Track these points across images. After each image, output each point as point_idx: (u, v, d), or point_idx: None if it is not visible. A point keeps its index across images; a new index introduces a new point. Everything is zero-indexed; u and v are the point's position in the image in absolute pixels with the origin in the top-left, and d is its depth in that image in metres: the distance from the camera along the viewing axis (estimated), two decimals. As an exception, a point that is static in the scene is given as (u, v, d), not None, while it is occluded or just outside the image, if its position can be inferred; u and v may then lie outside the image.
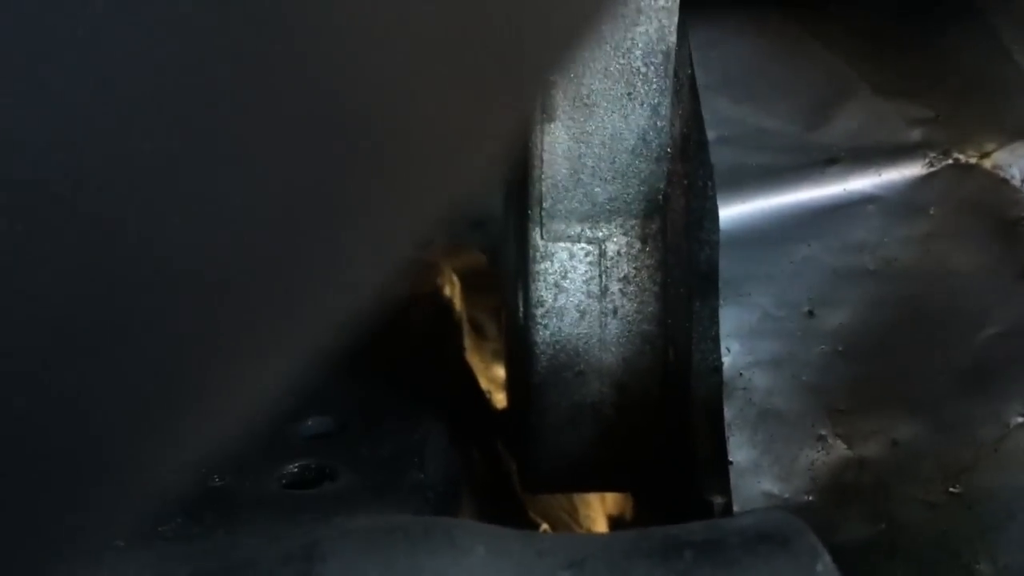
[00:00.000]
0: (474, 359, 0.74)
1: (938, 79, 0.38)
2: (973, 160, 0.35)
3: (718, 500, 0.38)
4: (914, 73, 0.38)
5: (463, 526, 0.27)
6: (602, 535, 0.30)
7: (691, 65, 0.40)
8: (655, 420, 0.42)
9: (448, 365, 0.55)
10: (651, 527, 0.26)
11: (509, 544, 0.25)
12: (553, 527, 0.64)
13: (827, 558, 0.26)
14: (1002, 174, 0.35)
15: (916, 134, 0.36)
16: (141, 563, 0.30)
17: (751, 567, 0.25)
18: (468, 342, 0.71)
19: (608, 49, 0.37)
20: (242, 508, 0.38)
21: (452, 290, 0.70)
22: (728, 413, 0.36)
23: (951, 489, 0.38)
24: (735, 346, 0.36)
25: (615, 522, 0.73)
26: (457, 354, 0.58)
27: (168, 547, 0.33)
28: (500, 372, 0.70)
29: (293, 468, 0.42)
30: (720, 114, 0.38)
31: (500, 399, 0.70)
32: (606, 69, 0.37)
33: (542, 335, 0.41)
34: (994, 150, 0.35)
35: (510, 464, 0.53)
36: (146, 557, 0.31)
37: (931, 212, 0.35)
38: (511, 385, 0.55)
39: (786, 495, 0.37)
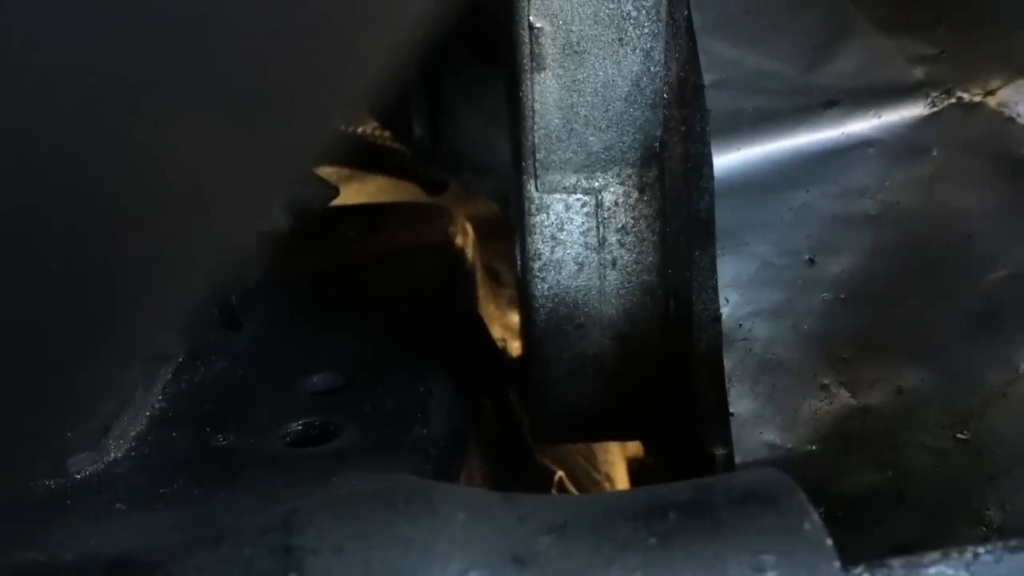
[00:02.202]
0: (490, 307, 0.74)
1: (944, 12, 0.36)
2: (978, 98, 0.34)
3: (720, 451, 0.38)
4: (918, 7, 0.36)
5: (445, 491, 0.27)
6: (586, 497, 0.29)
7: (687, 6, 0.38)
8: (658, 371, 0.42)
9: (457, 316, 0.54)
10: (637, 488, 0.26)
11: (491, 509, 0.25)
12: (570, 474, 0.64)
13: (815, 517, 0.25)
14: (1008, 112, 0.34)
15: (918, 72, 0.35)
16: (131, 531, 0.30)
17: (737, 527, 0.24)
18: (483, 290, 0.70)
19: (597, -7, 0.36)
20: (245, 468, 0.38)
21: (464, 239, 0.69)
22: (728, 364, 0.36)
23: (959, 435, 0.37)
24: (734, 296, 0.36)
25: (636, 465, 0.73)
26: (468, 304, 0.58)
27: (161, 513, 0.33)
28: (515, 320, 0.69)
29: (297, 426, 0.42)
30: (717, 56, 0.37)
31: (516, 347, 0.70)
32: (595, 15, 0.36)
33: (540, 288, 0.40)
34: (1000, 87, 0.34)
35: (522, 414, 0.53)
36: (137, 524, 0.31)
37: (934, 153, 0.34)
38: (521, 336, 0.55)
39: (789, 445, 0.37)
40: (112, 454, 0.40)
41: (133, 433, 0.41)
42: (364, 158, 0.75)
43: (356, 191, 0.77)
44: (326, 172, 0.67)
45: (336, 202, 0.56)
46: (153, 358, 0.44)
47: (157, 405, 0.43)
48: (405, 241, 0.62)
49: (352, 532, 0.23)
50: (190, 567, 0.22)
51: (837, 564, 0.25)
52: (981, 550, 0.28)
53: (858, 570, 0.25)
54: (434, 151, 0.66)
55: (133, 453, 0.40)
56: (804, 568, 0.24)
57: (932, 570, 0.27)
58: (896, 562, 0.26)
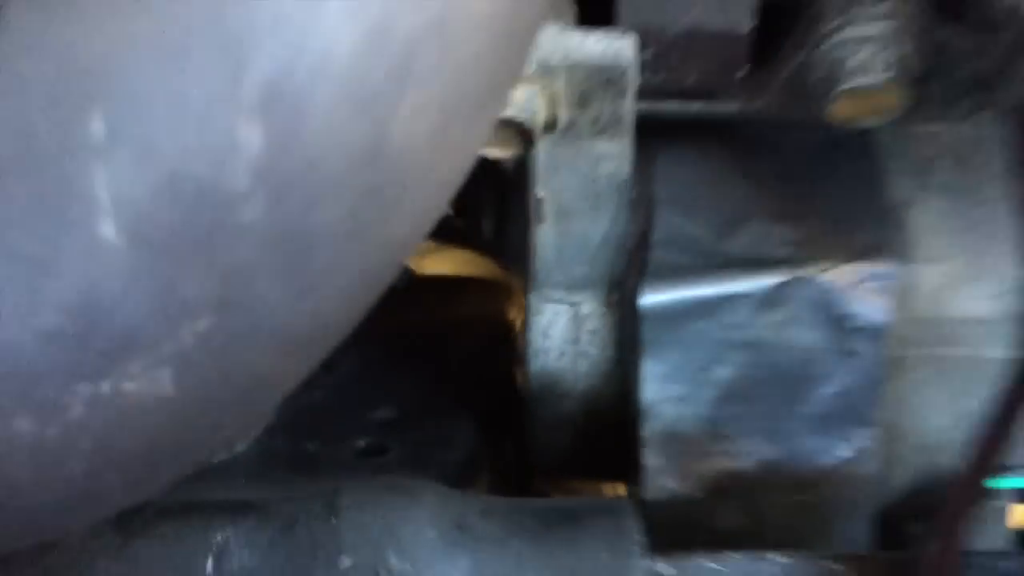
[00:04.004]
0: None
1: (814, 209, 0.54)
2: (817, 273, 0.51)
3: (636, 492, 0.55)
4: (799, 202, 0.54)
5: (437, 488, 0.45)
6: (516, 500, 0.47)
7: (652, 183, 0.57)
8: (616, 431, 0.59)
9: (492, 374, 0.73)
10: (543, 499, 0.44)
11: (455, 499, 0.44)
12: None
13: (636, 522, 0.43)
14: (833, 284, 0.51)
15: (785, 251, 0.52)
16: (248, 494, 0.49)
17: (581, 524, 0.42)
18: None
19: (580, 179, 0.54)
20: (322, 466, 0.58)
21: (517, 312, 0.88)
22: (643, 432, 0.54)
23: (801, 498, 0.54)
24: (651, 386, 0.54)
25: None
26: (504, 367, 0.77)
27: (265, 488, 0.52)
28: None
29: (362, 443, 0.62)
30: (665, 221, 0.55)
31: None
32: (579, 190, 0.55)
33: (534, 367, 0.59)
34: (832, 267, 0.51)
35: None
36: (251, 491, 0.50)
37: (787, 307, 0.52)
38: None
39: (683, 492, 0.54)
40: (239, 448, 0.60)
41: (254, 434, 0.61)
42: (447, 234, 0.94)
43: (440, 261, 0.96)
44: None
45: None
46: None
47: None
48: (466, 310, 0.81)
49: (371, 500, 0.42)
50: (278, 505, 0.42)
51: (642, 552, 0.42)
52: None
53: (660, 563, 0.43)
54: (498, 243, 0.85)
55: (252, 449, 0.60)
56: (616, 552, 0.41)
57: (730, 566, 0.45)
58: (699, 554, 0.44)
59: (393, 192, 0.28)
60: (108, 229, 0.24)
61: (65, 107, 0.24)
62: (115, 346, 0.25)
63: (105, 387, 0.26)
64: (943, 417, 0.54)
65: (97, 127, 0.24)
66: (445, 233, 0.98)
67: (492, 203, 0.84)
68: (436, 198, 0.30)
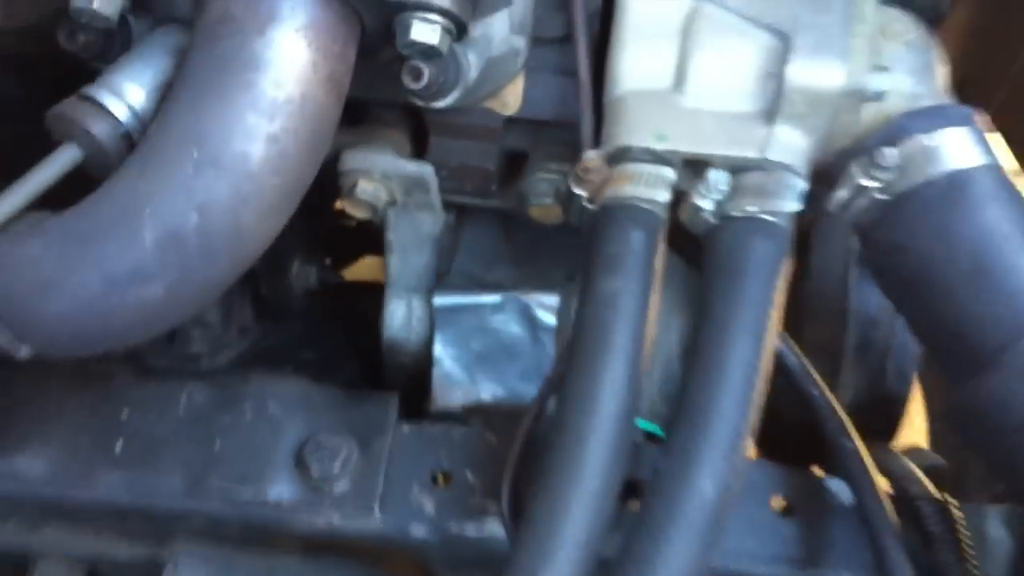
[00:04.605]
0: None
1: (532, 261, 0.98)
2: (525, 295, 0.96)
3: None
4: (526, 257, 0.99)
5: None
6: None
7: (457, 239, 1.02)
8: (424, 373, 1.04)
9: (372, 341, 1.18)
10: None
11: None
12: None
13: (395, 404, 0.88)
14: (532, 301, 0.96)
15: (511, 281, 0.97)
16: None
17: (364, 397, 0.87)
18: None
19: (411, 232, 0.99)
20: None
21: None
22: (434, 373, 0.99)
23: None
24: (439, 348, 0.98)
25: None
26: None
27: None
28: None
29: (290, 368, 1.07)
30: (457, 261, 1.00)
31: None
32: (410, 238, 1.00)
33: (385, 335, 1.04)
34: (533, 292, 0.96)
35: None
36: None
37: (507, 312, 0.96)
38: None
39: (450, 407, 0.99)
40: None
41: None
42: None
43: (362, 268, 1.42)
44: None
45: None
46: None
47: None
48: (368, 301, 1.27)
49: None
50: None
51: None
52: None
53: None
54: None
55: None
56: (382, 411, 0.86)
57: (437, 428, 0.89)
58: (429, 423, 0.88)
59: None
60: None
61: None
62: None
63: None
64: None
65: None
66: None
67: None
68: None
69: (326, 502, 0.84)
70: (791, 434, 0.90)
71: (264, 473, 0.84)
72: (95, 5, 0.70)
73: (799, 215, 0.75)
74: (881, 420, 1.03)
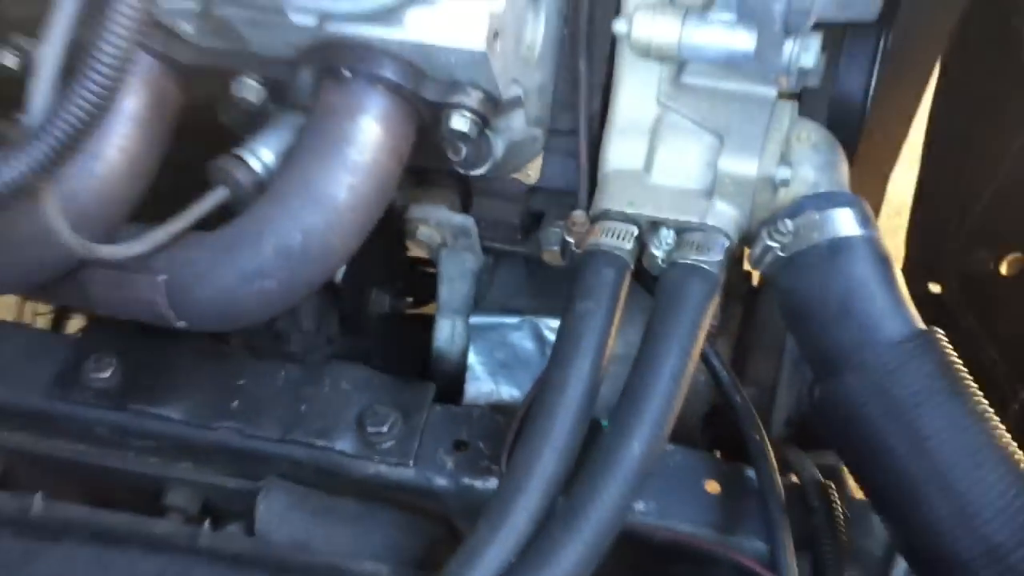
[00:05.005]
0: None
1: (546, 293, 1.30)
2: (538, 318, 1.28)
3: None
4: (540, 291, 1.31)
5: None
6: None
7: (493, 278, 1.34)
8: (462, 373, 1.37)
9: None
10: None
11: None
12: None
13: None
14: (544, 324, 1.27)
15: (530, 308, 1.29)
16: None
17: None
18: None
19: (458, 266, 1.32)
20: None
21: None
22: (467, 378, 1.31)
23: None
24: (472, 356, 1.30)
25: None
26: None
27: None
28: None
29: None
30: (490, 294, 1.33)
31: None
32: (457, 271, 1.32)
33: (435, 346, 1.36)
34: (542, 317, 1.27)
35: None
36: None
37: (524, 330, 1.28)
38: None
39: (490, 398, 1.31)
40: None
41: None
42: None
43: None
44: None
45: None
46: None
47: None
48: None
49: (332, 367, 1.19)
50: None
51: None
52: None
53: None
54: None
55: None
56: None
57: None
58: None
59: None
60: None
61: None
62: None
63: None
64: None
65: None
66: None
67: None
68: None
69: (375, 455, 1.16)
70: (732, 436, 1.19)
71: (334, 431, 1.17)
72: (247, 95, 1.05)
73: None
74: (808, 433, 1.30)
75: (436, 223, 1.25)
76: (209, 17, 1.01)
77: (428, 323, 1.44)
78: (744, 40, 0.98)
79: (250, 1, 0.97)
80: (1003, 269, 1.69)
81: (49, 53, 0.81)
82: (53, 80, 0.81)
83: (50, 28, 0.81)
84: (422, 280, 1.60)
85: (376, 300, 1.50)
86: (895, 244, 1.66)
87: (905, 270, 1.88)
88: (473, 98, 1.01)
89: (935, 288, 1.85)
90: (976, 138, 1.72)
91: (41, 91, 0.81)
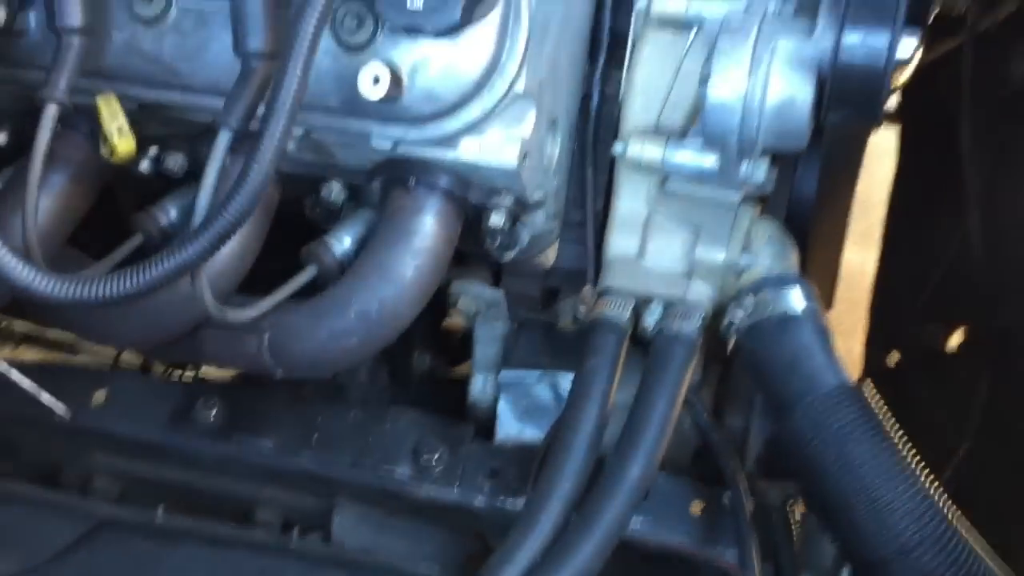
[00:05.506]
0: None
1: (564, 352, 1.61)
2: (555, 372, 1.58)
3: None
4: (556, 348, 1.62)
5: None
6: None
7: (516, 339, 1.66)
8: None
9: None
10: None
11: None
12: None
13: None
14: (559, 379, 1.57)
15: (547, 364, 1.60)
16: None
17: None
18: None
19: (488, 328, 1.64)
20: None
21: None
22: (496, 425, 1.61)
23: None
24: (501, 405, 1.61)
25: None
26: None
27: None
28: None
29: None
30: (516, 352, 1.64)
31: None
32: (487, 329, 1.64)
33: (474, 373, 1.67)
34: (558, 373, 1.58)
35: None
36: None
37: (544, 383, 1.59)
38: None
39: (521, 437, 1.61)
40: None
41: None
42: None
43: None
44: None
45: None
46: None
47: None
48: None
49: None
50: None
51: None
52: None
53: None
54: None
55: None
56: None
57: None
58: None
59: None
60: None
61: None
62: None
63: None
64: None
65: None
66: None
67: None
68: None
69: (427, 481, 1.46)
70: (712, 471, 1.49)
71: (394, 460, 1.47)
72: (334, 197, 1.37)
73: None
74: (775, 466, 1.60)
75: (473, 296, 1.57)
76: (308, 139, 1.34)
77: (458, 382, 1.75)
78: (710, 161, 1.30)
79: (343, 129, 1.29)
80: (951, 341, 2.01)
81: (211, 171, 1.14)
82: (212, 191, 1.14)
83: (212, 157, 1.14)
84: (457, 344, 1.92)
85: (418, 360, 1.81)
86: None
87: (867, 340, 2.20)
88: (507, 201, 1.33)
89: (894, 356, 2.16)
90: (924, 225, 2.06)
91: (204, 199, 1.13)
